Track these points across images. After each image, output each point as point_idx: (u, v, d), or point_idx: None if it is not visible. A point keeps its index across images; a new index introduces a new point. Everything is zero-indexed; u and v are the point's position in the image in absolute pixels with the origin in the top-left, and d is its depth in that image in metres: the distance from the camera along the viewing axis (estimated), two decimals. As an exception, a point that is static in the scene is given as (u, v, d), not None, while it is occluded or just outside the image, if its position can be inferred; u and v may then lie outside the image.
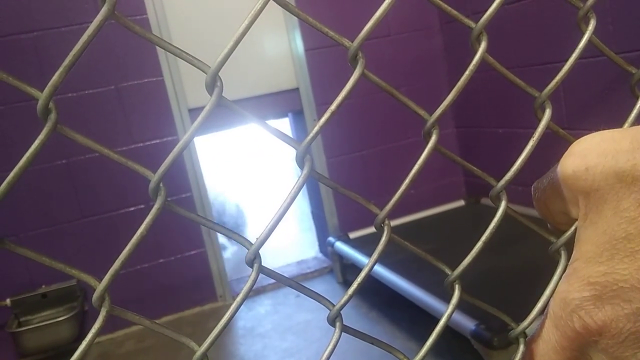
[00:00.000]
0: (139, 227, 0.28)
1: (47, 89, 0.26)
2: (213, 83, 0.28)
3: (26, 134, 2.51)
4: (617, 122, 0.36)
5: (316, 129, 0.30)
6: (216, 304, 3.03)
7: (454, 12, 0.35)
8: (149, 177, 0.28)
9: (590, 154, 0.26)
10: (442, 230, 2.94)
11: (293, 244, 3.73)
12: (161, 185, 0.28)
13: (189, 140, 0.28)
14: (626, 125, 0.37)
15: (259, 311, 2.90)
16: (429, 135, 0.34)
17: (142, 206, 2.84)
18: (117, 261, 0.27)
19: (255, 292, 3.09)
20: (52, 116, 0.26)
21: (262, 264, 0.30)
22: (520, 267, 2.17)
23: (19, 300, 2.68)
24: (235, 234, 0.30)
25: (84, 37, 0.26)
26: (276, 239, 3.89)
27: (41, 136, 0.26)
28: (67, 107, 2.69)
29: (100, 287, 0.27)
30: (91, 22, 0.26)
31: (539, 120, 0.37)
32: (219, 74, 0.28)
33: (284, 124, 3.38)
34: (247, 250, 0.30)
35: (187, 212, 0.29)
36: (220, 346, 2.61)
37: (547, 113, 0.37)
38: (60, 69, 0.26)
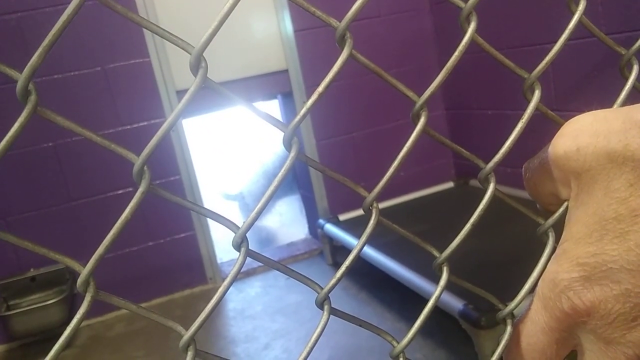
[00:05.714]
0: (127, 210, 0.27)
1: (26, 70, 0.25)
2: (197, 64, 0.27)
3: (10, 118, 2.47)
4: (605, 103, 0.36)
5: (303, 110, 0.30)
6: (206, 287, 3.04)
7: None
8: (133, 160, 0.27)
9: (582, 134, 0.26)
10: (431, 212, 2.95)
11: (283, 226, 3.73)
12: (145, 168, 0.27)
13: (174, 122, 0.27)
14: (615, 106, 0.37)
15: (249, 293, 2.91)
16: (418, 117, 0.34)
17: (131, 189, 2.82)
18: (101, 245, 0.27)
19: (245, 274, 3.10)
20: (32, 98, 0.25)
21: (250, 247, 0.30)
22: (508, 249, 2.18)
23: (7, 284, 2.67)
24: (221, 217, 0.30)
25: (64, 16, 0.25)
26: (266, 222, 3.89)
27: (21, 119, 0.25)
28: (54, 89, 2.65)
29: (85, 272, 0.26)
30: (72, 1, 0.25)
31: (529, 102, 0.36)
32: (204, 54, 0.27)
33: (274, 106, 3.35)
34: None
35: (172, 196, 0.29)
36: (210, 328, 2.63)
37: (537, 94, 0.36)
38: (40, 50, 0.25)
